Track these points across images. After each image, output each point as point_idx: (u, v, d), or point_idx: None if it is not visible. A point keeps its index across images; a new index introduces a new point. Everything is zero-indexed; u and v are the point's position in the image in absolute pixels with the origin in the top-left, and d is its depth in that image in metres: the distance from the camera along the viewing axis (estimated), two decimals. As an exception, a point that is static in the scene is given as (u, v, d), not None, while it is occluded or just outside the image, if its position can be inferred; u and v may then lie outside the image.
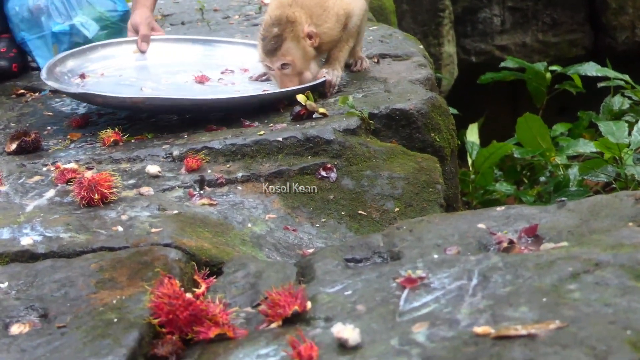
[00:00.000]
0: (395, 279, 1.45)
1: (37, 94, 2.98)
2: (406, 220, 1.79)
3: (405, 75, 2.71)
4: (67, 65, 2.80)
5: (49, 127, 2.60)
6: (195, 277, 1.57)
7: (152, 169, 2.12)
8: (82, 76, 2.77)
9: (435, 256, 1.52)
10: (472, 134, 3.94)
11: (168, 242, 1.70)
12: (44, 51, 3.04)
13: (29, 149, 2.36)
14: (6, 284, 1.58)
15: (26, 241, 1.76)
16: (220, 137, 2.26)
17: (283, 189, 2.07)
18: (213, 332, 1.36)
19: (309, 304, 1.40)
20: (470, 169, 3.68)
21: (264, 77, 2.76)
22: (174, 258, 1.62)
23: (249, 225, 1.93)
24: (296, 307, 1.37)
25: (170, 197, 1.99)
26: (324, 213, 2.02)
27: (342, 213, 2.03)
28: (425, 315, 1.32)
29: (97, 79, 2.78)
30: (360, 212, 2.04)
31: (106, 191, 1.92)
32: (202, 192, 2.04)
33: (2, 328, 1.44)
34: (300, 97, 2.35)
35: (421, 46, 3.17)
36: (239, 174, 2.10)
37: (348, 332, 1.26)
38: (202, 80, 2.74)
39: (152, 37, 2.95)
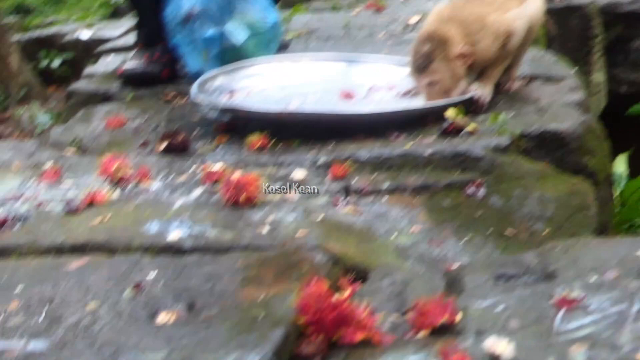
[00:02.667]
0: (550, 299, 1.39)
1: (185, 99, 3.03)
2: (560, 241, 1.72)
3: (557, 97, 2.63)
4: (217, 82, 2.84)
5: (197, 130, 2.63)
6: (341, 281, 1.54)
7: (298, 174, 2.11)
8: (231, 93, 2.80)
9: (593, 278, 1.45)
10: (620, 165, 3.79)
11: (314, 246, 1.69)
12: (195, 56, 3.09)
13: (178, 148, 2.39)
14: (154, 274, 1.59)
15: (174, 235, 1.77)
16: (366, 147, 2.24)
17: (429, 203, 2.03)
18: (359, 336, 1.33)
19: (458, 316, 1.35)
20: (616, 201, 3.54)
21: (411, 94, 2.72)
22: (321, 260, 1.60)
23: (394, 236, 1.89)
24: (446, 318, 1.33)
25: (315, 203, 1.98)
26: (470, 230, 1.97)
27: (489, 231, 1.97)
28: (583, 338, 1.26)
29: (244, 96, 2.80)
30: (507, 231, 1.97)
31: (252, 193, 1.92)
32: (347, 200, 2.02)
33: (149, 316, 1.44)
34: (450, 112, 2.30)
35: (573, 70, 3.08)
36: (385, 185, 2.07)
37: (502, 346, 1.21)
38: (348, 96, 2.73)
39: (296, 55, 2.96)
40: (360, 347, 1.31)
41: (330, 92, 2.76)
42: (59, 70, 9.74)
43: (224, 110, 2.60)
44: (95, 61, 6.63)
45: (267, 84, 2.88)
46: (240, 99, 2.72)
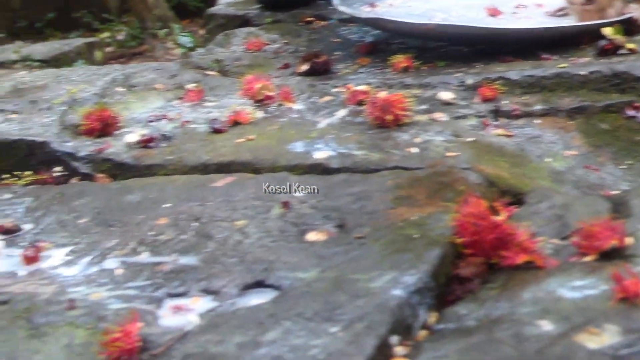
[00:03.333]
0: None
1: (325, 22, 2.97)
2: None
3: None
4: None
5: (337, 53, 2.57)
6: (496, 204, 1.46)
7: (445, 95, 2.03)
8: (372, 5, 2.73)
9: None
10: None
11: (466, 167, 1.61)
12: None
13: (320, 70, 2.34)
14: (301, 193, 1.55)
15: (320, 155, 1.73)
16: (516, 68, 2.14)
17: (585, 126, 1.92)
18: (521, 259, 1.25)
19: (628, 240, 1.26)
20: None
21: (560, 12, 2.59)
22: (475, 181, 1.53)
23: (548, 159, 1.80)
24: (615, 241, 1.24)
25: (464, 125, 1.90)
26: (630, 155, 1.85)
27: (651, 156, 1.85)
28: None
29: (386, 8, 2.73)
30: (670, 156, 1.85)
31: (399, 113, 1.86)
32: (497, 122, 1.93)
33: (299, 234, 1.41)
34: (607, 31, 2.17)
35: None
36: (537, 107, 1.97)
37: (680, 271, 1.12)
38: (494, 13, 2.62)
39: None
40: (521, 270, 1.24)
41: (475, 7, 2.65)
42: (193, 3, 9.83)
43: (368, 22, 2.53)
44: (229, -8, 6.63)
45: None
46: (382, 11, 2.65)
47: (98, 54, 7.77)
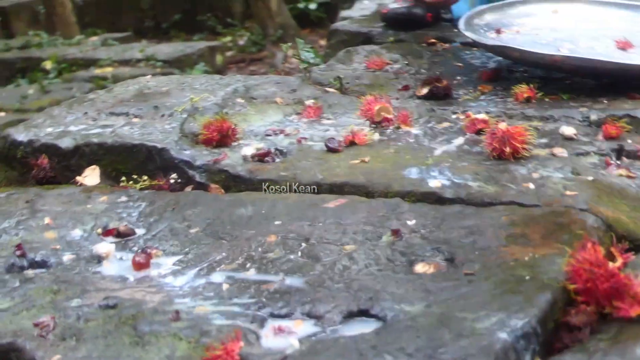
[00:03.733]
0: None
1: (447, 45, 2.95)
2: None
3: None
4: (485, 19, 2.74)
5: (458, 77, 2.55)
6: (613, 249, 1.41)
7: (568, 130, 1.98)
8: (498, 31, 2.69)
9: None
10: None
11: (584, 207, 1.57)
12: (461, 2, 3.00)
13: (440, 95, 2.32)
14: (413, 222, 1.54)
15: (434, 183, 1.71)
16: (644, 106, 2.07)
17: None
18: (635, 311, 1.21)
19: None
20: None
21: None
22: (593, 225, 1.48)
23: (671, 205, 1.73)
24: None
25: (584, 162, 1.85)
26: None
27: None
28: None
29: (512, 35, 2.68)
30: None
31: (519, 146, 1.82)
32: (619, 162, 1.87)
33: (408, 264, 1.39)
34: None
35: None
36: (662, 149, 1.90)
37: None
38: (624, 46, 2.54)
39: None
40: (635, 324, 1.20)
41: (604, 38, 2.58)
42: (315, 12, 9.92)
43: (493, 49, 2.49)
44: (350, 6, 6.69)
45: (538, 25, 2.74)
46: (508, 38, 2.61)
47: (219, 58, 7.93)
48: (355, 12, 5.34)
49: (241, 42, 9.36)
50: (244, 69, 8.26)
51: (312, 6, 9.84)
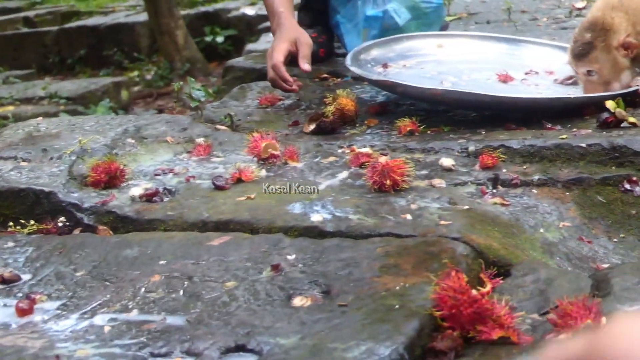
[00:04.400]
0: None
1: (339, 80, 3.03)
2: None
3: None
4: (371, 54, 2.83)
5: (347, 112, 2.62)
6: (482, 275, 1.49)
7: (446, 161, 2.07)
8: (385, 65, 2.79)
9: None
10: None
11: (456, 236, 1.64)
12: (354, 36, 3.09)
13: (327, 129, 2.39)
14: (294, 256, 1.59)
15: (316, 218, 1.77)
16: (519, 137, 2.17)
17: (581, 198, 1.94)
18: (496, 334, 1.28)
19: (603, 320, 1.28)
20: None
21: (569, 81, 2.63)
22: (462, 253, 1.56)
23: (541, 230, 1.83)
24: (589, 321, 1.26)
25: (462, 192, 1.93)
26: (623, 228, 1.88)
27: (644, 231, 1.87)
28: None
29: (399, 69, 2.78)
30: (665, 232, 1.87)
31: (398, 178, 1.89)
32: (495, 190, 1.96)
33: (286, 298, 1.44)
34: (610, 104, 2.20)
35: None
36: (535, 177, 2.00)
37: (647, 356, 1.14)
38: (505, 79, 2.66)
39: (455, 33, 2.92)
40: (497, 346, 1.27)
41: (485, 72, 2.70)
42: (222, 46, 9.94)
43: (377, 84, 2.57)
44: (257, 39, 6.76)
45: (423, 59, 2.84)
46: (394, 73, 2.70)
47: (124, 93, 7.89)
48: (261, 44, 5.41)
49: (148, 76, 9.33)
50: (151, 103, 8.24)
51: (219, 39, 9.88)
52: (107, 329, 1.39)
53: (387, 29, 3.02)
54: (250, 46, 6.11)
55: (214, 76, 8.19)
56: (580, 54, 2.38)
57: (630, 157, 2.02)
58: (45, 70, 9.92)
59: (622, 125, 2.19)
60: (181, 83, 2.60)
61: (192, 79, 2.58)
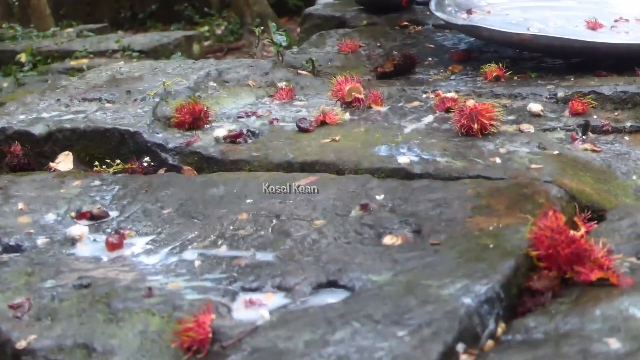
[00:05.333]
0: None
1: (420, 27, 2.98)
2: None
3: None
4: (456, 0, 2.77)
5: (430, 58, 2.58)
6: (576, 218, 1.45)
7: (535, 107, 2.01)
8: (469, 12, 2.73)
9: None
10: None
11: (549, 180, 1.60)
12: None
13: (404, 68, 2.37)
14: (382, 196, 1.57)
15: (403, 160, 1.74)
16: (610, 83, 2.10)
17: (676, 145, 1.88)
18: (595, 275, 1.24)
19: None
20: None
21: (662, 28, 2.54)
22: (556, 195, 1.51)
23: (634, 177, 1.77)
24: (694, 264, 1.22)
25: (551, 138, 1.88)
26: None
27: None
28: None
29: (483, 15, 2.72)
30: None
31: (486, 122, 1.85)
32: (585, 137, 1.91)
33: (376, 237, 1.42)
34: None
35: None
36: (628, 124, 1.94)
37: None
38: (593, 26, 2.58)
39: None
40: (595, 287, 1.23)
41: (573, 19, 2.62)
42: (292, 1, 9.90)
43: (463, 29, 2.52)
44: (329, -7, 6.68)
45: (508, 5, 2.77)
46: (478, 18, 2.64)
47: (196, 47, 7.92)
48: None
49: (219, 31, 9.34)
50: (222, 58, 8.26)
51: (291, -6, 9.84)
52: (197, 263, 1.39)
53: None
54: (321, 0, 6.07)
55: (285, 30, 8.18)
56: None
57: None
58: (118, 25, 10.00)
59: None
60: (261, 28, 2.57)
61: (274, 24, 2.56)
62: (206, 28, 9.55)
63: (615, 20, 2.65)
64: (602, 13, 2.69)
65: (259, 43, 2.92)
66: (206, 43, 8.84)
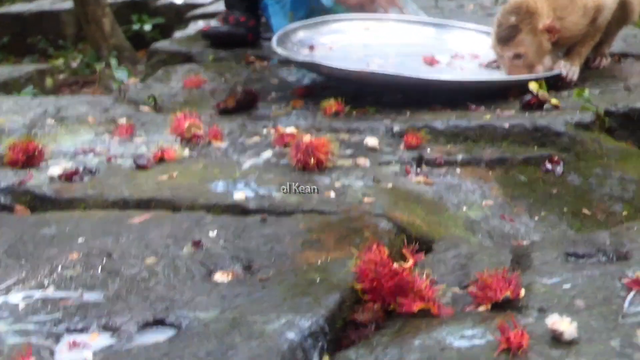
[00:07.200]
0: (620, 280, 1.32)
1: (265, 63, 3.01)
2: (638, 222, 1.64)
3: (647, 76, 2.52)
4: (298, 36, 2.81)
5: (273, 93, 2.61)
6: (404, 250, 1.48)
7: (371, 141, 2.06)
8: (311, 48, 2.77)
9: (669, 261, 1.37)
10: None
11: (380, 213, 1.64)
12: (281, 18, 3.06)
13: (246, 103, 2.39)
14: (215, 233, 1.57)
15: (239, 196, 1.75)
16: (443, 117, 2.18)
17: (504, 177, 1.96)
18: (417, 306, 1.28)
19: (522, 292, 1.29)
20: None
21: (494, 64, 2.65)
22: (384, 228, 1.56)
23: (464, 208, 1.84)
24: (508, 293, 1.27)
25: (386, 171, 1.93)
26: (544, 207, 1.90)
27: (564, 209, 1.90)
28: (653, 321, 1.18)
29: (325, 52, 2.77)
30: (584, 210, 1.89)
31: (323, 157, 1.88)
32: (419, 169, 1.97)
33: (206, 274, 1.43)
34: (533, 86, 2.23)
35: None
36: (459, 156, 2.01)
37: (564, 325, 1.15)
38: (431, 62, 2.67)
39: (382, 16, 2.92)
40: (417, 318, 1.27)
41: (412, 56, 2.70)
42: (150, 34, 9.84)
43: (303, 65, 2.56)
44: (185, 26, 6.68)
45: (350, 41, 2.83)
46: (320, 55, 2.68)
47: (49, 81, 7.72)
48: (189, 32, 5.33)
49: (74, 64, 9.17)
50: (77, 91, 8.09)
51: (147, 27, 9.75)
52: (21, 305, 1.35)
53: (314, 10, 3.00)
54: (178, 34, 6.04)
55: (142, 64, 8.10)
56: (507, 37, 2.40)
57: (552, 138, 2.04)
58: (-33, 59, 9.67)
59: (544, 107, 2.22)
60: (104, 63, 2.55)
61: (115, 60, 2.54)
62: (61, 61, 9.35)
63: (452, 57, 2.75)
64: (440, 50, 2.79)
65: (103, 77, 2.89)
66: (61, 76, 8.66)
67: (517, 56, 2.39)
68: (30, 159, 1.95)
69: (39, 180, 1.89)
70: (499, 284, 1.28)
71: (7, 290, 1.42)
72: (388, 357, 1.16)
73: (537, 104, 2.22)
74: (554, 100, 2.22)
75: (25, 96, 2.64)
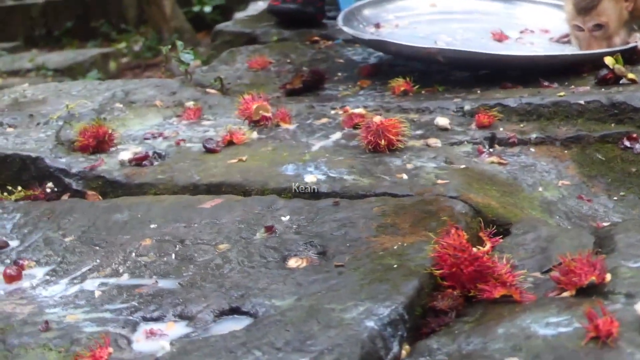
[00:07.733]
0: None
1: (330, 42, 2.98)
2: None
3: None
4: (364, 14, 2.78)
5: (339, 73, 2.58)
6: (481, 234, 1.45)
7: (442, 121, 2.02)
8: (377, 26, 2.74)
9: None
10: None
11: (454, 195, 1.60)
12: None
13: (312, 84, 2.36)
14: (287, 217, 1.55)
15: (310, 179, 1.73)
16: (515, 95, 2.13)
17: (580, 156, 1.90)
18: (498, 292, 1.24)
19: (608, 276, 1.25)
20: None
21: (565, 39, 2.58)
22: (460, 211, 1.52)
23: (540, 189, 1.79)
24: (593, 278, 1.23)
25: (458, 151, 1.89)
26: (623, 186, 1.84)
27: (645, 188, 1.83)
28: None
29: (391, 29, 2.73)
30: (665, 189, 1.83)
31: (393, 138, 1.85)
32: (491, 149, 1.92)
33: (280, 260, 1.41)
34: (609, 60, 2.16)
35: None
36: (533, 135, 1.96)
37: (655, 311, 1.10)
38: (500, 38, 2.61)
39: None
40: (498, 304, 1.23)
41: (480, 32, 2.65)
42: (210, 16, 9.88)
43: (370, 43, 2.53)
44: (245, 7, 6.69)
45: (416, 18, 2.79)
46: (386, 33, 2.65)
47: (112, 65, 7.81)
48: (249, 12, 5.34)
49: (136, 47, 9.23)
50: (140, 75, 8.15)
51: (207, 9, 9.77)
52: (97, 293, 1.35)
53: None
54: (238, 15, 6.03)
55: (203, 46, 8.11)
56: (589, 6, 2.31)
57: (630, 114, 1.98)
58: (32, 43, 9.81)
59: (620, 82, 2.15)
60: (169, 46, 2.54)
61: (181, 43, 2.53)
62: (123, 44, 9.43)
63: (521, 32, 2.69)
64: (508, 25, 2.73)
65: (169, 60, 2.88)
66: (124, 59, 8.73)
67: (598, 26, 2.32)
68: (100, 143, 1.95)
69: (109, 165, 1.89)
70: (584, 269, 1.24)
71: (83, 278, 1.42)
72: (471, 345, 1.13)
73: (614, 79, 2.15)
74: (630, 75, 2.15)
75: (93, 80, 2.63)
